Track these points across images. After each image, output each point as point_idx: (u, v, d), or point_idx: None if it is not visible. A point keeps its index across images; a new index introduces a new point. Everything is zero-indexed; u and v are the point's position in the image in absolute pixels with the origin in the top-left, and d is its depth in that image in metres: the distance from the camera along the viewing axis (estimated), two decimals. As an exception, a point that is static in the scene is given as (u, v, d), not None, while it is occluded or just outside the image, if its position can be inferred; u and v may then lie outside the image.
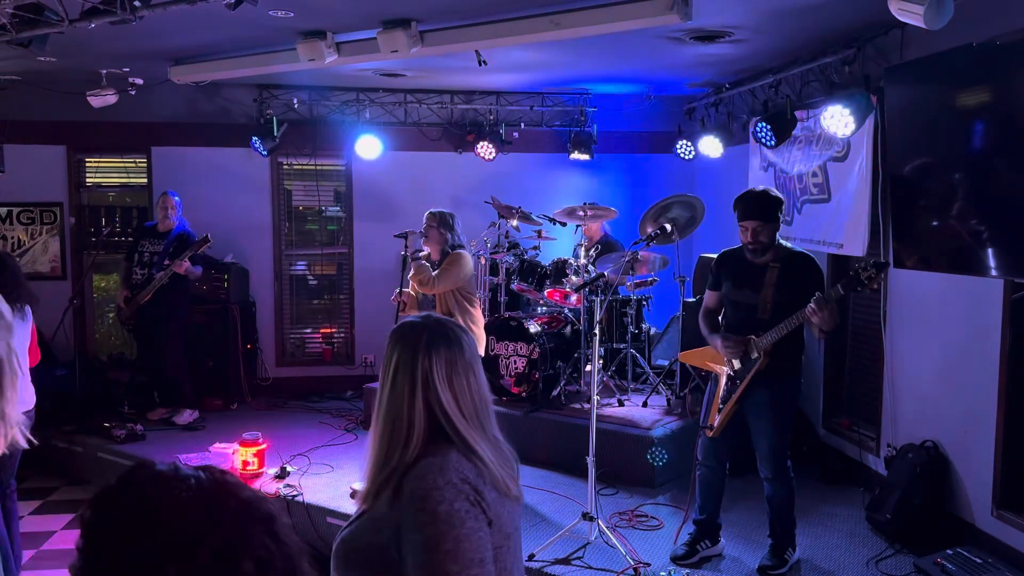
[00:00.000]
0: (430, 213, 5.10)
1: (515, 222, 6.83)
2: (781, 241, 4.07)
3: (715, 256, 4.39)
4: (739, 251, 4.14)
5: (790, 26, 4.92)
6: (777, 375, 4.00)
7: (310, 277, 8.22)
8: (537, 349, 5.95)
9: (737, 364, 4.08)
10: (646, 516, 4.89)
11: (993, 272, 3.97)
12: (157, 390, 6.83)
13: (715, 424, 4.16)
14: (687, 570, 4.16)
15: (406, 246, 5.06)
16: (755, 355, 3.98)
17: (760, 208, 3.96)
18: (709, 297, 4.31)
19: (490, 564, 1.60)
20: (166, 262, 6.34)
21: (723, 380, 4.18)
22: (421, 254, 5.04)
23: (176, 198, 6.64)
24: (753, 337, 3.97)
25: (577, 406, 5.96)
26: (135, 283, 6.50)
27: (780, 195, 4.09)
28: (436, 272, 4.96)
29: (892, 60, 4.78)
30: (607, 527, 4.48)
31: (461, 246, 5.09)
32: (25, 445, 1.98)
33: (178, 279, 6.40)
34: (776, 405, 4.03)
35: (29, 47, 4.56)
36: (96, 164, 7.90)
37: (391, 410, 1.70)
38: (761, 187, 4.10)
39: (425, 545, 1.54)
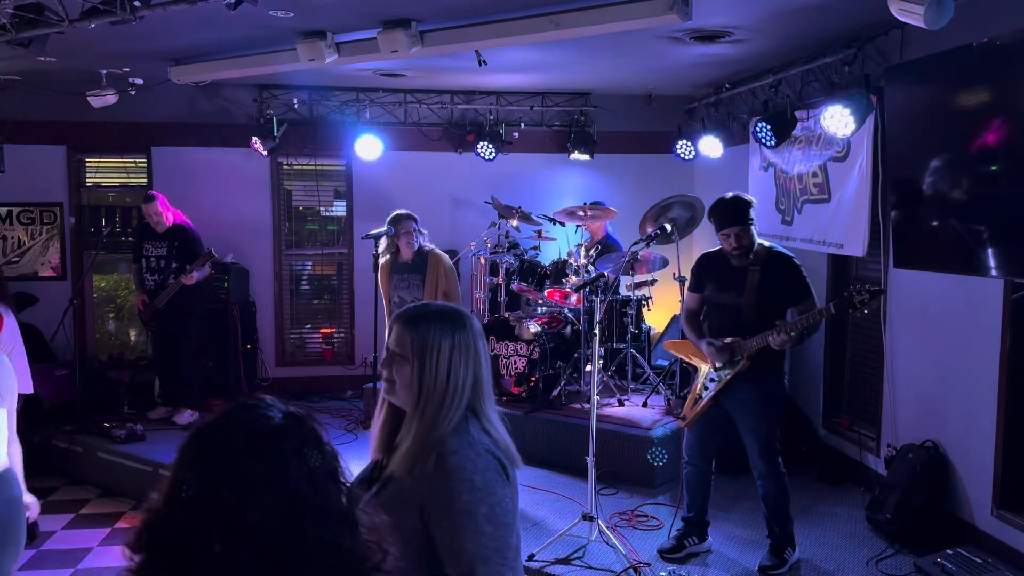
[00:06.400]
0: (409, 215, 5.15)
1: (515, 222, 6.83)
2: (760, 241, 4.15)
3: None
4: (719, 253, 4.23)
5: (790, 26, 4.92)
6: (760, 374, 4.06)
7: (306, 275, 8.22)
8: (537, 349, 5.95)
9: (720, 364, 4.12)
10: (646, 516, 4.89)
11: (993, 272, 3.97)
12: (166, 387, 6.80)
13: (688, 415, 4.23)
14: (687, 570, 4.16)
15: (376, 246, 5.05)
16: (738, 357, 4.04)
17: (737, 214, 4.05)
18: (691, 299, 4.37)
19: (516, 523, 1.81)
20: (174, 265, 6.35)
21: (702, 375, 4.24)
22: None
23: (158, 199, 6.49)
24: (740, 340, 4.02)
25: (577, 406, 5.96)
26: (149, 288, 6.50)
27: (750, 197, 4.18)
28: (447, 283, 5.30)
29: (892, 60, 4.78)
30: (607, 527, 4.48)
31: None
32: None
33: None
34: (762, 403, 4.08)
35: (29, 47, 4.56)
36: (96, 164, 7.89)
37: (447, 383, 1.82)
38: (730, 194, 4.18)
39: (463, 511, 1.72)
